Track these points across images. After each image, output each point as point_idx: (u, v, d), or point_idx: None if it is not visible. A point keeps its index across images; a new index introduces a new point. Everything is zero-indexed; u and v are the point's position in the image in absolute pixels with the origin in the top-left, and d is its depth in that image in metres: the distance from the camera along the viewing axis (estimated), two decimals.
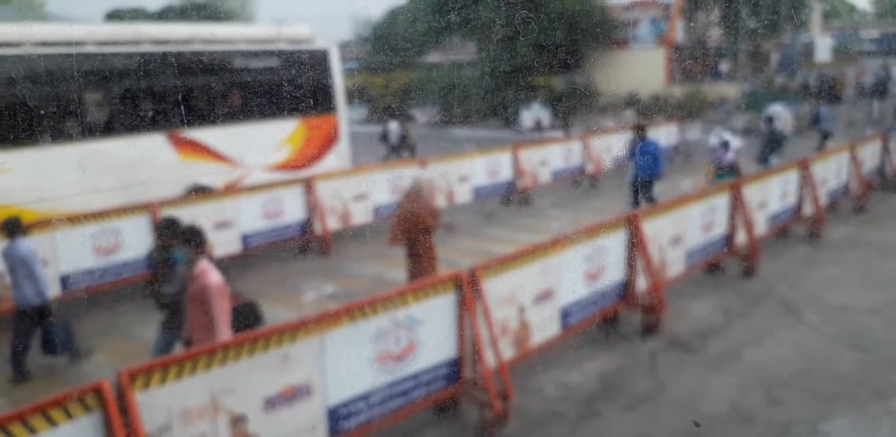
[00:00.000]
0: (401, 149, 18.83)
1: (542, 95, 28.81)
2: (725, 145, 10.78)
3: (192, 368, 3.93)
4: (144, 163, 10.02)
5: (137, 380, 3.73)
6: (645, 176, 11.11)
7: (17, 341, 6.62)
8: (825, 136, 17.82)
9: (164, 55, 10.34)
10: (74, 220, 8.24)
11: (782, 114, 18.59)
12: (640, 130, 11.47)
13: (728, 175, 10.24)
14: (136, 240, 8.65)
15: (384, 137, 19.53)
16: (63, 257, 8.08)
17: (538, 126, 24.22)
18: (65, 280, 8.19)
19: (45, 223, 8.05)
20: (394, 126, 19.38)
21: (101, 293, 8.57)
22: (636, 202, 11.30)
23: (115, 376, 3.70)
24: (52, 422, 3.43)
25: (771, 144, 12.98)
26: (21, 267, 6.42)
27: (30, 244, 6.61)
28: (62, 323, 6.90)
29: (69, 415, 3.48)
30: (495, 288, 5.56)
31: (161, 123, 10.49)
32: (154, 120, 10.63)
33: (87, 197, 9.18)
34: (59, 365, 7.02)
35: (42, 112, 9.33)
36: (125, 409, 3.64)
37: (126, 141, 9.92)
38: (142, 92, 10.44)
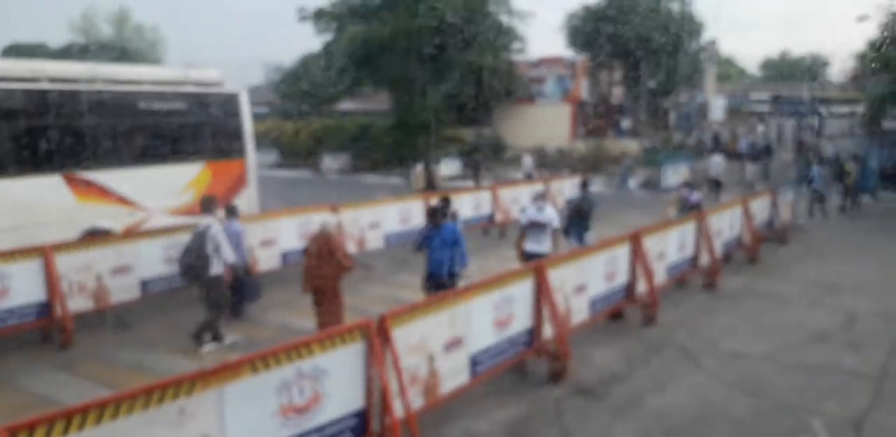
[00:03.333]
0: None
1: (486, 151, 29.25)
2: (690, 187, 12.57)
3: (81, 423, 3.71)
4: (38, 204, 9.50)
5: None
6: (440, 272, 8.21)
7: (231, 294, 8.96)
8: (820, 198, 17.65)
9: (63, 93, 9.98)
10: None
11: (721, 163, 21.37)
12: (435, 211, 8.42)
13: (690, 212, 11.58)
14: (25, 286, 8.11)
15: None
16: None
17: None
18: None
19: None
20: (419, 169, 22.01)
21: None
22: None
23: None
24: None
25: (578, 217, 11.28)
26: (232, 239, 8.79)
27: (240, 224, 9.47)
28: (254, 285, 9.49)
29: None
30: (405, 336, 5.50)
31: (57, 164, 10.04)
32: (50, 160, 10.13)
33: None
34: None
35: None
36: None
37: (18, 181, 9.42)
38: (37, 131, 9.97)
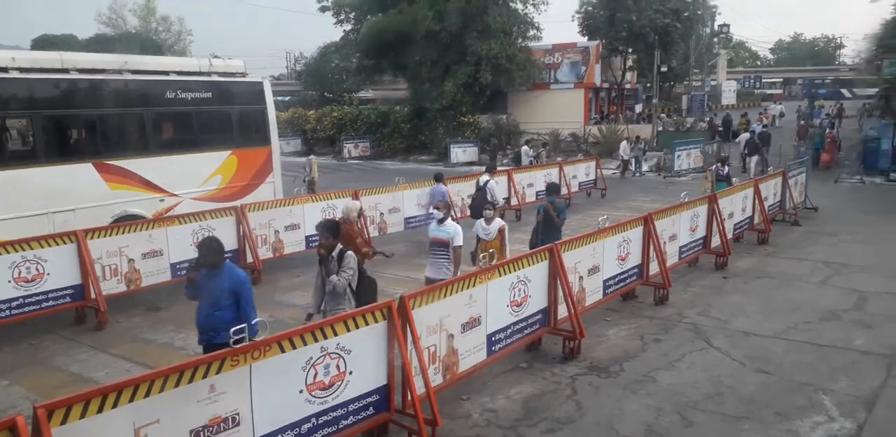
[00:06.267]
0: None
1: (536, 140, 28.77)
2: (723, 162, 14.85)
3: (115, 400, 3.82)
4: (70, 191, 9.79)
5: (55, 415, 3.59)
6: (209, 340, 5.61)
7: None
8: None
9: (92, 83, 10.23)
10: None
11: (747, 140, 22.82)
12: (208, 255, 5.58)
13: (725, 184, 13.50)
14: (60, 269, 8.46)
15: (517, 159, 22.38)
16: None
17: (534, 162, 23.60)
18: None
19: None
20: (525, 149, 22.42)
21: (20, 324, 8.30)
22: None
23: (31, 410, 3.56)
24: None
25: (548, 228, 9.55)
26: (439, 196, 11.56)
27: (445, 186, 12.31)
28: None
29: None
30: (424, 316, 5.72)
31: (88, 152, 10.37)
32: (81, 148, 10.47)
33: (7, 225, 8.93)
34: None
35: None
36: None
37: (51, 169, 9.69)
38: (68, 120, 10.29)
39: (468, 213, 13.40)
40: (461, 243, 7.69)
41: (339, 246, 6.32)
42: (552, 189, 10.43)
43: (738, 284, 10.21)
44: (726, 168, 14.53)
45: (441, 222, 7.78)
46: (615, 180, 22.91)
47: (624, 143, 24.74)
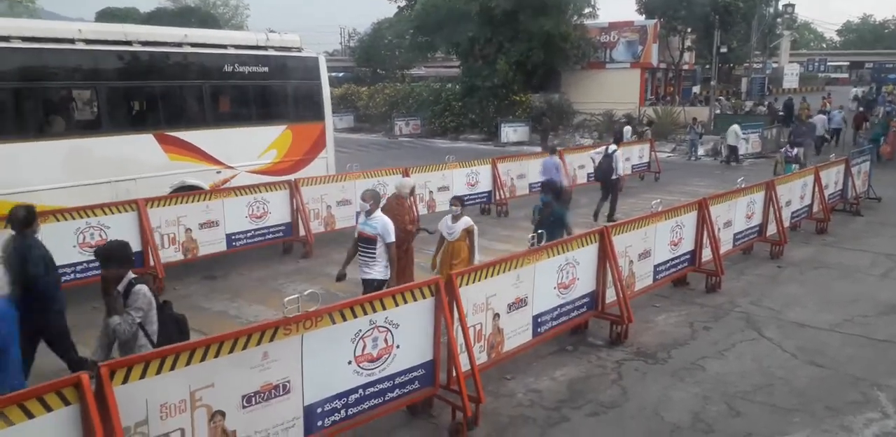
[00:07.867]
0: None
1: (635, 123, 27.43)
2: (792, 144, 15.47)
3: (172, 363, 3.94)
4: (132, 161, 10.05)
5: (117, 374, 3.73)
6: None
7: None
8: None
9: (154, 56, 10.43)
10: (60, 214, 8.26)
11: (823, 121, 23.67)
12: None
13: (794, 165, 14.42)
14: (121, 236, 8.67)
15: (619, 137, 22.32)
16: None
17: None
18: None
19: None
20: (628, 128, 22.96)
21: (84, 287, 8.53)
22: None
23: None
24: (28, 414, 3.38)
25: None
26: (552, 168, 12.99)
27: (557, 158, 13.37)
28: (568, 197, 11.06)
29: (47, 407, 3.45)
30: (471, 295, 5.73)
31: (149, 123, 10.60)
32: (142, 120, 10.72)
33: (73, 192, 9.20)
34: None
35: (31, 107, 9.36)
36: (104, 402, 3.62)
37: (114, 139, 9.93)
38: (130, 91, 10.53)
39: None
40: (392, 240, 6.88)
41: (130, 276, 4.81)
42: (560, 191, 9.23)
43: (793, 273, 9.95)
44: (795, 150, 15.07)
45: (368, 214, 6.93)
46: (718, 167, 22.02)
47: (736, 127, 22.29)
